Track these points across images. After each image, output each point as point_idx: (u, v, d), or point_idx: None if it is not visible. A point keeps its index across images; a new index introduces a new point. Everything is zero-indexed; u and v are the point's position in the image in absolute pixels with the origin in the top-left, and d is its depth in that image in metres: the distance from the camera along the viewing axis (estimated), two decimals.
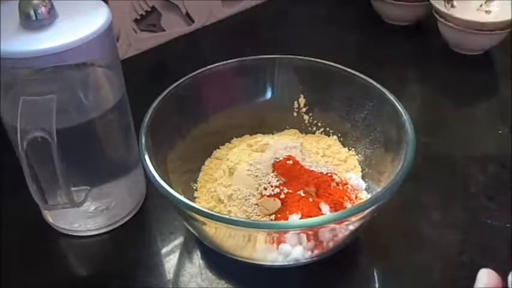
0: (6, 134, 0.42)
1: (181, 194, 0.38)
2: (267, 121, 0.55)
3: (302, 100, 0.54)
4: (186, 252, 0.47)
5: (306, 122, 0.54)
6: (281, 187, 0.43)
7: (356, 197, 0.46)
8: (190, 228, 0.43)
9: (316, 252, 0.41)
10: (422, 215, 0.49)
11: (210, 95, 0.52)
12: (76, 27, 0.38)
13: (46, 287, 0.44)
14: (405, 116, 0.44)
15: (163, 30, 0.76)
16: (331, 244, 0.41)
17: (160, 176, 0.39)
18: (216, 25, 0.81)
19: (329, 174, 0.45)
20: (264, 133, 0.54)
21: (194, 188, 0.49)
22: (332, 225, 0.38)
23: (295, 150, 0.46)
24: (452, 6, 0.69)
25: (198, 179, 0.50)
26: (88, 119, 0.42)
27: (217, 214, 0.38)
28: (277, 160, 0.45)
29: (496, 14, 0.68)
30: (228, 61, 0.52)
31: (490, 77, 0.71)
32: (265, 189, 0.43)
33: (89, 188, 0.44)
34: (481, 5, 0.69)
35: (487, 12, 0.68)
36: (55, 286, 0.44)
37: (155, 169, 0.40)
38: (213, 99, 0.53)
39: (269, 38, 0.79)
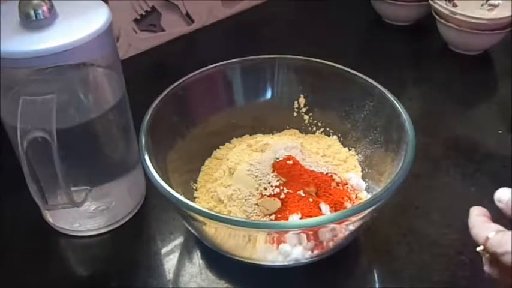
0: (6, 134, 0.42)
1: (181, 194, 0.38)
2: (267, 121, 0.55)
3: (302, 100, 0.54)
4: (186, 252, 0.47)
5: (306, 122, 0.54)
6: (281, 187, 0.43)
7: (356, 197, 0.46)
8: (190, 228, 0.43)
9: (316, 252, 0.41)
10: (422, 215, 0.49)
11: (210, 95, 0.52)
12: (76, 27, 0.38)
13: (46, 286, 0.44)
14: (405, 116, 0.44)
15: (163, 30, 0.76)
16: (331, 244, 0.41)
17: (160, 176, 0.39)
18: (216, 25, 0.81)
19: (329, 174, 0.45)
20: (264, 133, 0.54)
21: (194, 188, 0.49)
22: (332, 225, 0.38)
23: (295, 150, 0.46)
24: (454, 5, 0.69)
25: (198, 179, 0.50)
26: (88, 119, 0.42)
27: (217, 214, 0.38)
28: (277, 160, 0.45)
29: (499, 11, 0.68)
30: (228, 61, 0.52)
31: (490, 77, 0.71)
32: (265, 189, 0.43)
33: (89, 188, 0.44)
34: (482, 5, 0.69)
35: (490, 10, 0.68)
36: (55, 286, 0.44)
37: (155, 169, 0.40)
38: (212, 99, 0.53)
39: (269, 38, 0.79)
